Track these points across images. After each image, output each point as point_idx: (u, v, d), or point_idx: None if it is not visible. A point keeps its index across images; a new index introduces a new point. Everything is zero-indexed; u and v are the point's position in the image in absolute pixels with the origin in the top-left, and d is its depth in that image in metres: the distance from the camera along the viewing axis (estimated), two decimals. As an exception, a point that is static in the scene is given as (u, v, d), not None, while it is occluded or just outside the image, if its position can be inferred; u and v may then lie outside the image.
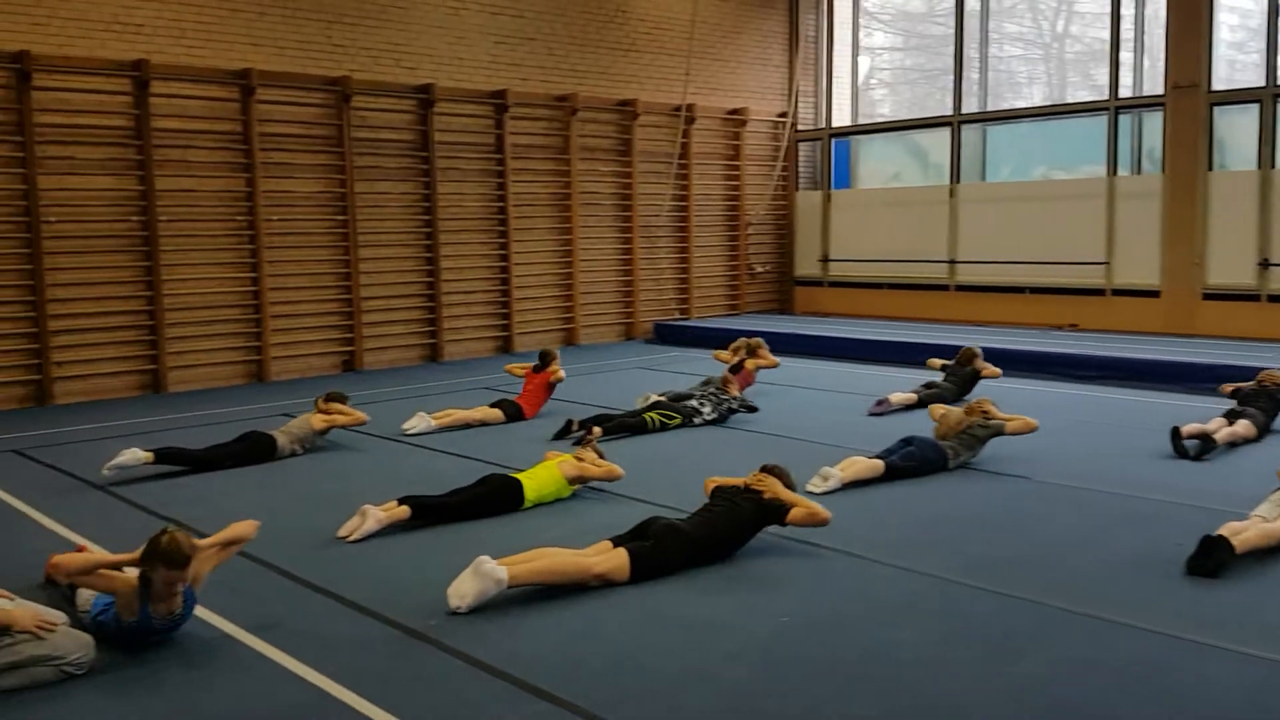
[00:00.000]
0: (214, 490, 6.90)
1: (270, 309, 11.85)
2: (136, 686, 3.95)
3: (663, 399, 9.29)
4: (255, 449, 7.61)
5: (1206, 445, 7.25)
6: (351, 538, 5.68)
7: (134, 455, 7.04)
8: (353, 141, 12.31)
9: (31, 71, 10.15)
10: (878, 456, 6.84)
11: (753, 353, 10.31)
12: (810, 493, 6.33)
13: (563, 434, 8.18)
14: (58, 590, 4.82)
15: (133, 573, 4.23)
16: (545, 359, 9.45)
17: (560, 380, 9.36)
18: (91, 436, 8.71)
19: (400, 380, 11.74)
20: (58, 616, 4.23)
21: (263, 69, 11.60)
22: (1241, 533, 5.05)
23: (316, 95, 12.12)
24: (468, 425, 8.81)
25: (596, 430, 7.94)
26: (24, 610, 4.11)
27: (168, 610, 4.24)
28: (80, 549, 5.16)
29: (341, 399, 8.29)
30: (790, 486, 5.54)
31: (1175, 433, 7.35)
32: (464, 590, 4.61)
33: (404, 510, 5.84)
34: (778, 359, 10.38)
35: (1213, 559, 4.91)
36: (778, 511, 5.35)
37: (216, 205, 11.51)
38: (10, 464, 7.81)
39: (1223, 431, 7.51)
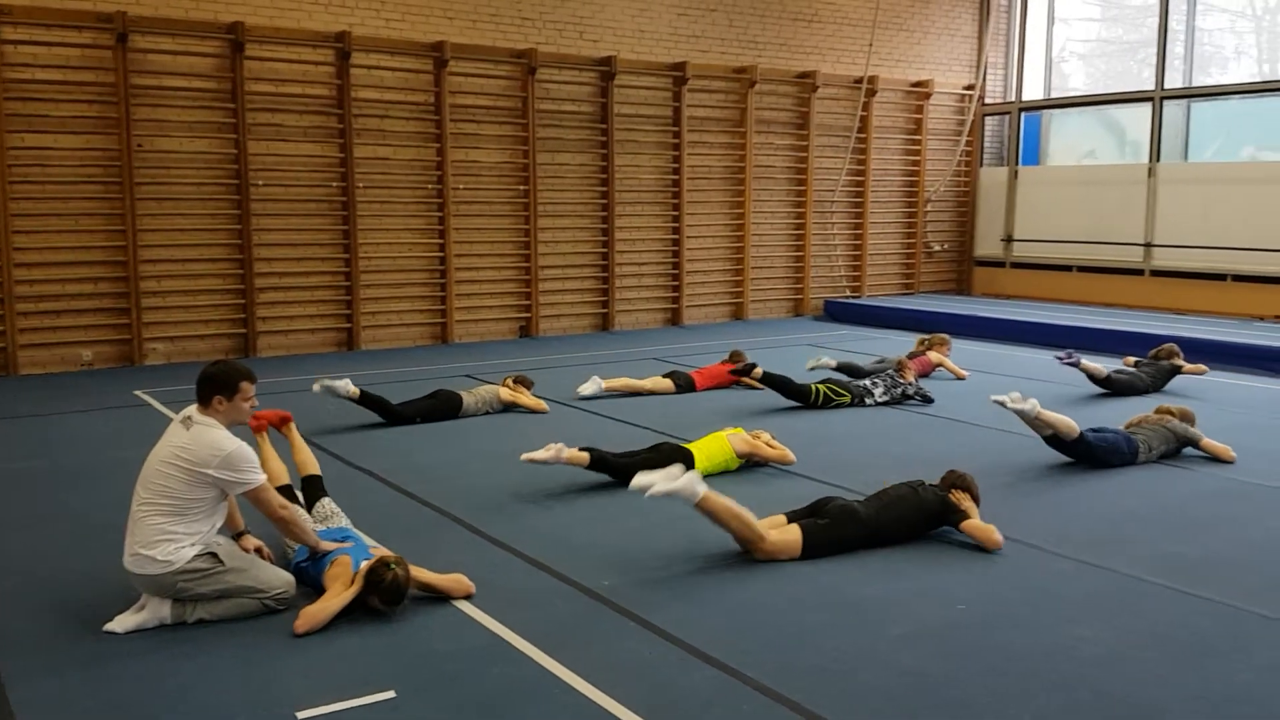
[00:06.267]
0: (404, 445, 7.27)
1: (455, 274, 12.31)
2: (332, 623, 4.19)
3: (833, 364, 9.23)
4: (444, 405, 8.00)
5: None
6: (528, 458, 5.88)
7: (346, 385, 7.54)
8: (536, 113, 12.60)
9: (244, 42, 10.80)
10: None
11: (937, 346, 10.00)
12: (993, 400, 6.27)
13: (742, 372, 8.36)
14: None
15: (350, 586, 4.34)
16: (735, 358, 9.42)
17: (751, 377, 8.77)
18: (291, 389, 9.27)
19: (572, 348, 12.01)
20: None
21: (455, 41, 11.99)
22: None
23: (504, 68, 12.45)
24: (638, 393, 8.95)
25: (758, 371, 8.21)
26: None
27: None
28: (286, 417, 5.60)
29: (528, 384, 8.54)
30: (977, 500, 5.36)
31: None
32: (660, 485, 4.61)
33: (584, 456, 6.00)
34: (966, 372, 9.87)
35: None
36: (958, 515, 5.21)
37: (409, 173, 12.01)
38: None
39: None
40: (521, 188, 12.69)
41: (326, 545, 4.56)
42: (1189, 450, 6.92)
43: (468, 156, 12.31)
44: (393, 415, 7.79)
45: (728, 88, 14.18)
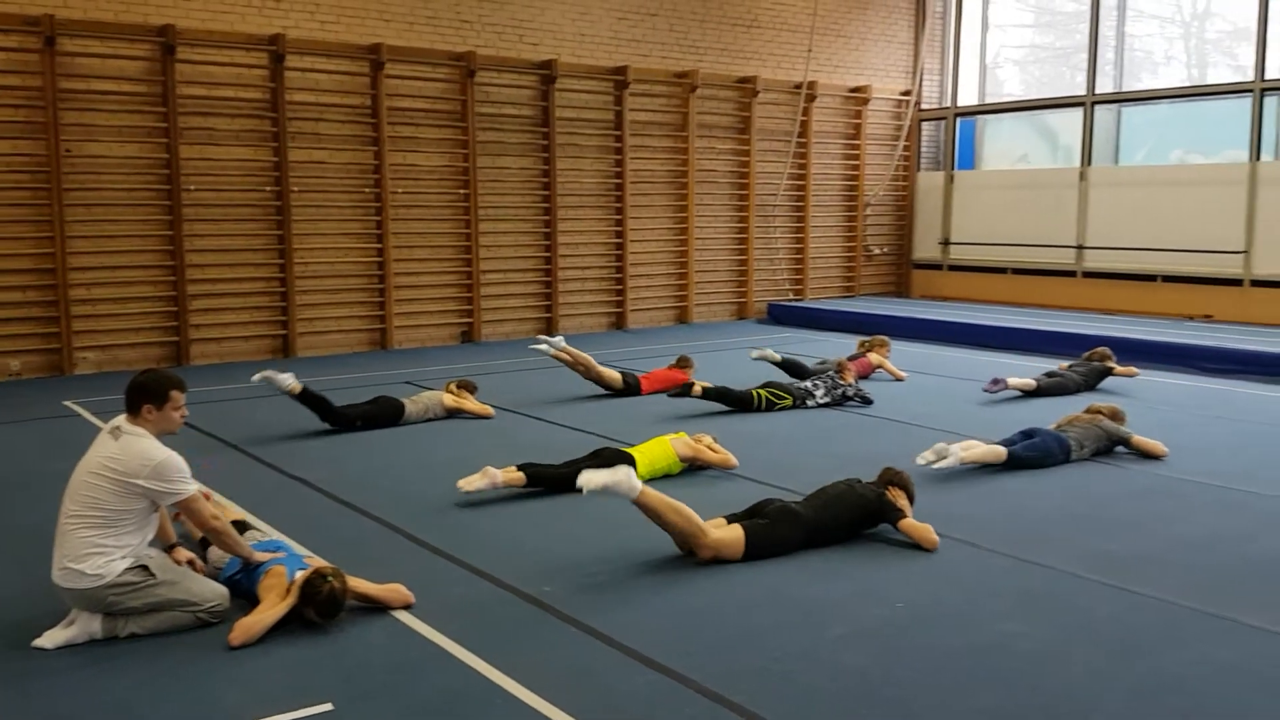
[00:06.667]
0: (342, 453, 7.16)
1: (394, 279, 12.18)
2: (268, 635, 4.10)
3: (778, 357, 9.30)
4: (384, 411, 7.88)
5: None
6: (465, 487, 5.82)
7: (289, 379, 7.39)
8: (476, 117, 12.52)
9: (176, 45, 10.59)
10: (1000, 444, 6.67)
11: (876, 348, 10.12)
12: (919, 464, 6.23)
13: (681, 393, 8.36)
14: (190, 544, 5.05)
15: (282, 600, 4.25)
16: (683, 363, 9.46)
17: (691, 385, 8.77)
18: (224, 397, 9.10)
19: (515, 353, 11.92)
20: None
21: (392, 44, 11.88)
22: None
23: (443, 70, 12.35)
24: (588, 371, 9.03)
25: (697, 389, 8.22)
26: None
27: None
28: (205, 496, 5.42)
29: (472, 388, 8.46)
30: (912, 498, 5.42)
31: None
32: (598, 479, 4.62)
33: (520, 476, 5.97)
34: (905, 373, 9.98)
35: None
36: (895, 513, 5.26)
37: (345, 177, 11.86)
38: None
39: None
40: (462, 191, 12.60)
41: (259, 556, 4.47)
42: (1121, 448, 7.05)
43: (406, 160, 12.19)
44: (333, 416, 7.66)
45: (669, 92, 14.21)
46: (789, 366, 9.52)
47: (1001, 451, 6.54)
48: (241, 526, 4.92)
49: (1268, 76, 13.24)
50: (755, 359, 9.58)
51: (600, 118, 13.62)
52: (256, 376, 7.40)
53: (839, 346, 11.36)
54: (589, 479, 4.62)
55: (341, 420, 7.66)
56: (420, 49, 12.14)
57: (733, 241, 15.21)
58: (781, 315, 14.96)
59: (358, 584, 4.33)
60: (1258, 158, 13.32)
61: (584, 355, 9.15)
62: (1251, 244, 13.26)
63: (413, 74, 12.16)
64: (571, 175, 13.43)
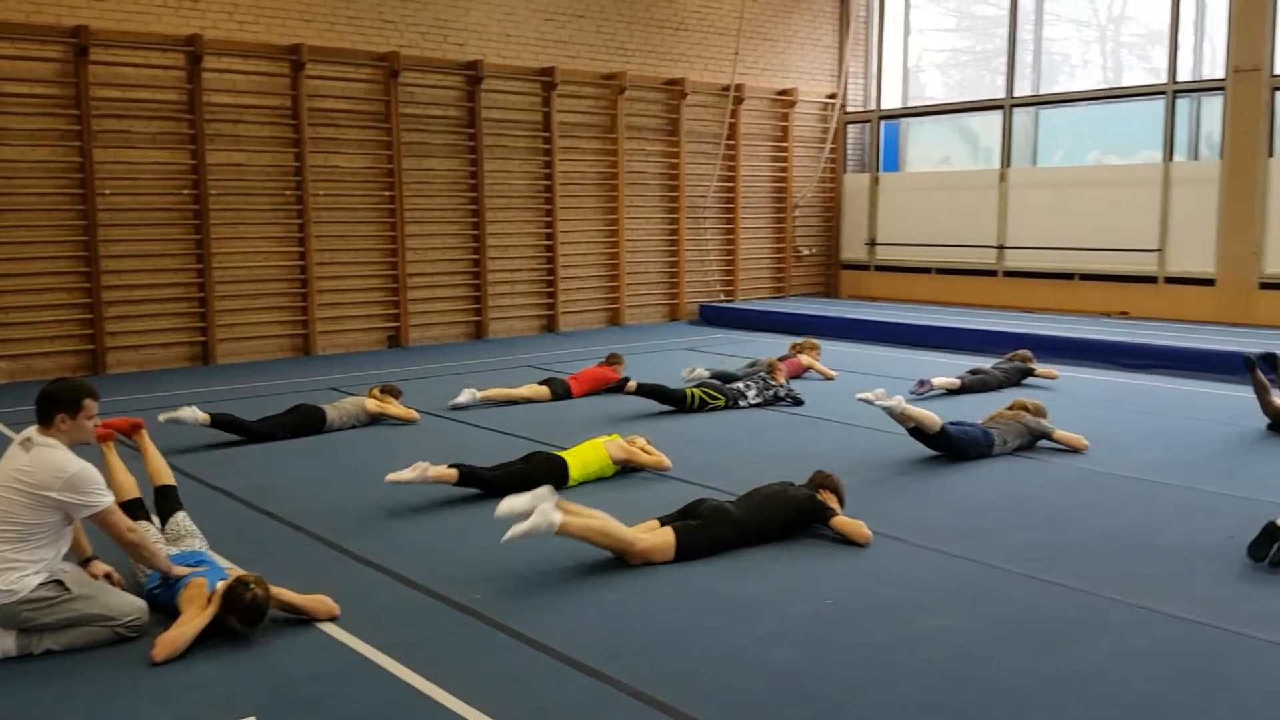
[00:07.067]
0: (265, 462, 7.00)
1: (317, 284, 11.97)
2: (190, 648, 3.99)
3: (708, 374, 9.31)
4: (306, 420, 7.71)
5: (1273, 366, 7.33)
6: (394, 479, 5.68)
7: (193, 414, 7.19)
8: (400, 118, 12.36)
9: (89, 46, 10.28)
10: None
11: (807, 350, 10.22)
12: (863, 400, 6.47)
13: (616, 388, 8.34)
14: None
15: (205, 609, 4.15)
16: (613, 360, 9.42)
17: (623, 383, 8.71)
18: (142, 406, 8.84)
19: (444, 357, 11.82)
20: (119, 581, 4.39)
21: (313, 44, 11.67)
22: None
23: (365, 71, 12.18)
24: (514, 401, 8.84)
25: (631, 384, 8.23)
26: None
27: None
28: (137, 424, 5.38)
29: (396, 393, 8.32)
30: (842, 500, 5.48)
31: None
32: (518, 507, 4.59)
33: (452, 473, 5.87)
34: (834, 372, 10.10)
35: (1278, 546, 4.80)
36: (827, 512, 5.31)
37: (266, 180, 11.62)
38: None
39: None
40: (386, 193, 12.43)
41: (179, 570, 4.35)
42: (1043, 443, 7.20)
43: (328, 162, 11.99)
44: (251, 434, 7.47)
45: (597, 94, 14.19)
46: (719, 378, 9.53)
47: (937, 420, 6.63)
48: (135, 506, 4.79)
49: (1180, 79, 13.66)
50: (686, 379, 9.42)
51: (528, 119, 13.55)
52: (162, 418, 7.12)
53: (770, 347, 11.45)
54: (509, 508, 4.59)
55: (262, 437, 7.48)
56: (342, 49, 11.96)
57: (664, 243, 15.24)
58: (713, 316, 15.03)
59: (281, 593, 4.24)
60: (1170, 158, 13.72)
61: (498, 390, 8.90)
62: (1165, 242, 13.67)
63: (335, 74, 11.96)
64: (500, 177, 13.33)
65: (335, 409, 7.88)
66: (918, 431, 6.70)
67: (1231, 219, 13.03)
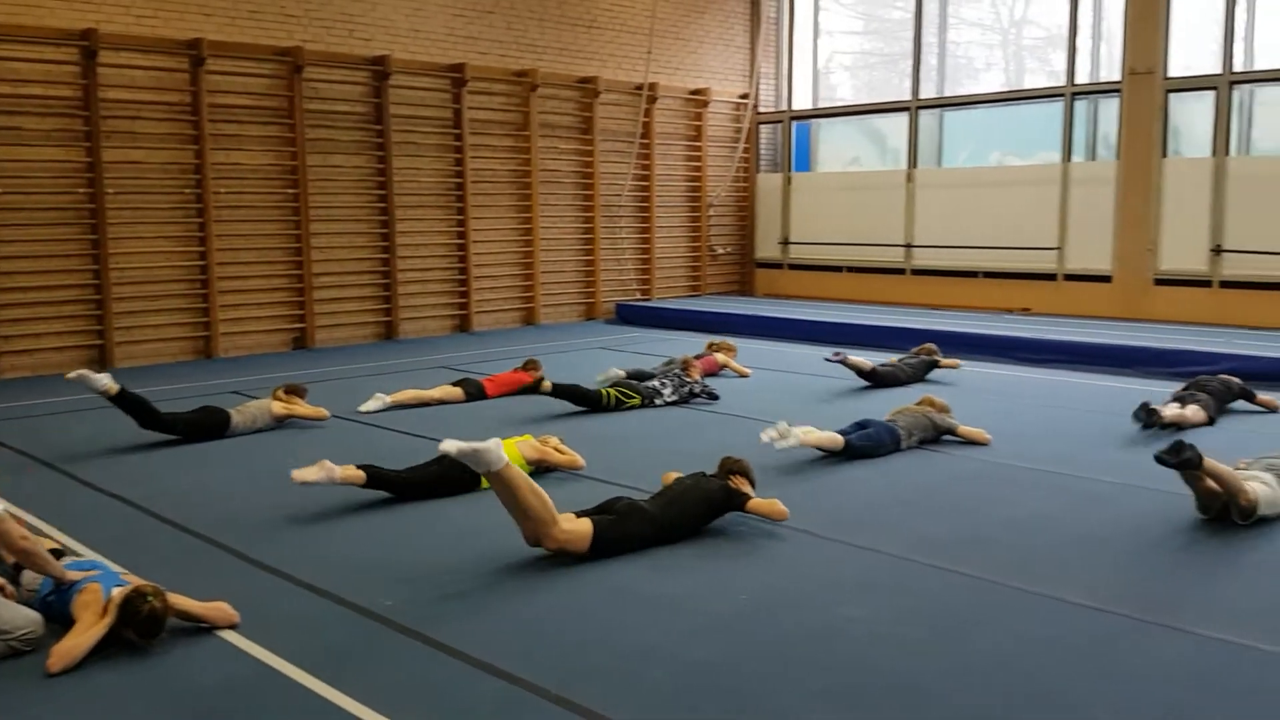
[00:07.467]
0: (163, 468, 6.77)
1: (219, 284, 11.63)
2: (86, 659, 3.86)
3: (623, 374, 9.30)
4: (209, 422, 7.47)
5: (1151, 419, 7.47)
6: (299, 478, 5.49)
7: (105, 379, 6.93)
8: (304, 114, 12.09)
9: (-27, 36, 9.84)
10: (838, 433, 6.86)
11: (722, 350, 10.28)
12: (763, 441, 6.47)
13: (532, 388, 8.27)
14: (2, 567, 4.69)
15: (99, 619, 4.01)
16: (530, 367, 9.31)
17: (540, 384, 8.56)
18: (36, 412, 8.50)
19: (353, 359, 11.59)
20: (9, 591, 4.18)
21: (213, 39, 11.34)
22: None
23: (268, 66, 11.88)
24: (427, 404, 8.70)
25: (546, 384, 8.17)
26: None
27: None
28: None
29: (301, 392, 8.12)
30: (753, 483, 5.53)
31: (1145, 410, 7.60)
32: (466, 444, 4.57)
33: (360, 474, 5.72)
34: (749, 370, 10.17)
35: (1182, 455, 5.08)
36: (741, 497, 5.35)
37: (164, 177, 11.25)
38: (-50, 440, 7.60)
39: (1170, 411, 7.66)
40: (291, 191, 12.13)
41: (73, 575, 4.18)
42: (948, 436, 7.35)
43: (230, 159, 11.65)
44: (154, 421, 7.20)
45: (509, 91, 14.07)
46: (635, 377, 9.52)
47: (839, 439, 6.74)
48: (57, 554, 4.59)
49: (1078, 81, 14.09)
50: (600, 381, 9.32)
51: (438, 116, 13.37)
52: (71, 374, 6.93)
53: (687, 345, 11.48)
54: (453, 443, 4.57)
55: (163, 426, 7.23)
56: (243, 44, 11.64)
57: (579, 242, 15.18)
58: (630, 315, 15.02)
59: (180, 601, 4.12)
60: (1069, 159, 14.14)
61: (408, 393, 8.74)
62: (1064, 241, 14.09)
63: (236, 70, 11.64)
64: (409, 174, 13.13)
65: (239, 413, 7.64)
66: (827, 453, 6.79)
67: (1127, 218, 13.48)
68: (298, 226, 12.20)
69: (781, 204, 17.03)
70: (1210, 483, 5.27)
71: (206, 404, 7.75)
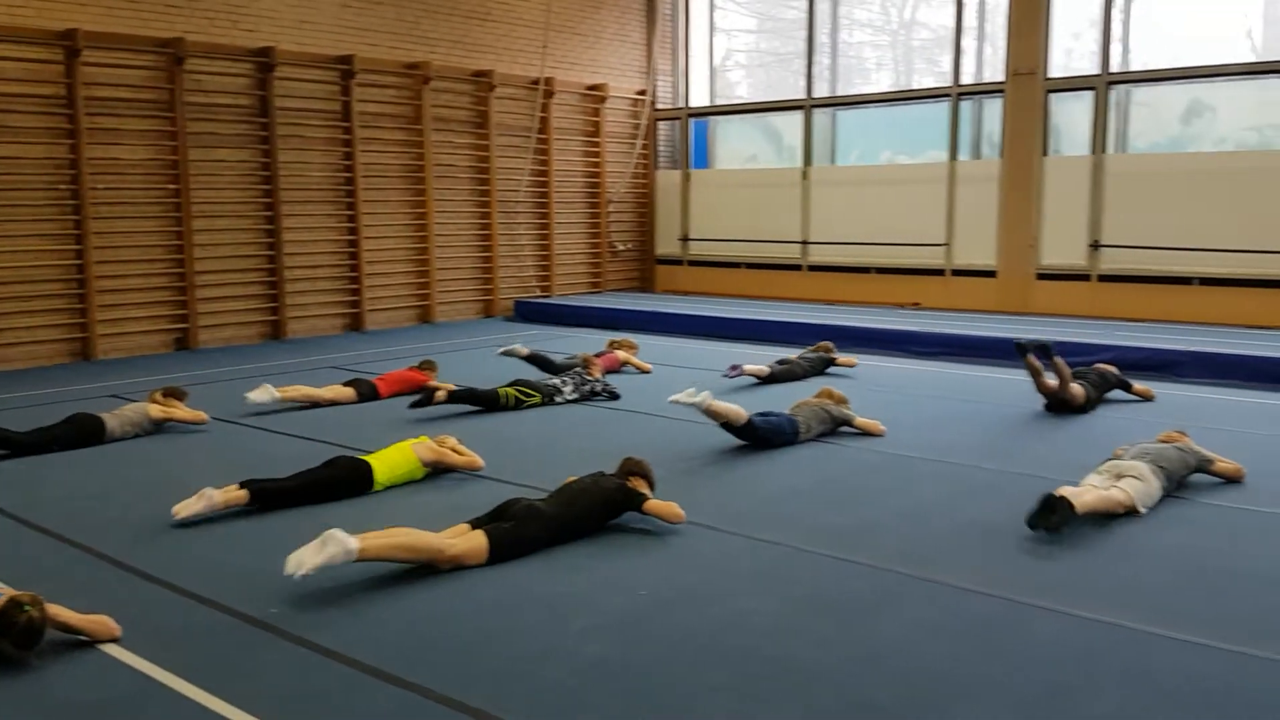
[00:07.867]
0: (38, 476, 6.44)
1: (96, 283, 11.14)
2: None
3: (526, 352, 9.26)
4: (83, 431, 7.12)
5: (1044, 352, 8.03)
6: (180, 514, 5.35)
7: None
8: (186, 106, 11.66)
9: None
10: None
11: (624, 347, 10.30)
12: (675, 402, 6.61)
13: (425, 401, 8.08)
14: None
15: None
16: (427, 367, 9.17)
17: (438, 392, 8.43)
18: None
19: (239, 359, 11.24)
20: None
21: (90, 29, 10.85)
22: (1081, 496, 5.28)
23: (147, 58, 11.42)
24: (316, 404, 8.47)
25: (441, 394, 8.03)
26: None
27: None
28: None
29: (180, 395, 7.82)
30: (652, 485, 5.53)
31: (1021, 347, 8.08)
32: (304, 559, 4.31)
33: (242, 494, 5.55)
34: (650, 365, 10.22)
35: (1055, 516, 5.09)
36: (639, 498, 5.34)
37: (38, 173, 10.73)
38: None
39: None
40: (172, 186, 11.69)
41: None
42: (844, 428, 7.48)
43: (108, 154, 11.17)
44: (18, 446, 6.85)
45: (401, 83, 13.82)
46: (537, 361, 9.49)
47: (743, 412, 6.85)
48: None
49: (963, 82, 14.48)
50: (502, 354, 9.55)
51: (326, 108, 13.05)
52: None
53: (587, 343, 11.45)
54: (299, 562, 4.29)
55: (31, 449, 6.87)
56: (121, 35, 11.16)
57: (476, 238, 15.00)
58: (529, 312, 14.91)
59: (58, 612, 3.93)
60: (955, 158, 14.54)
61: (299, 389, 8.51)
62: (952, 237, 14.47)
63: (114, 61, 11.16)
64: (297, 169, 12.78)
65: (116, 417, 7.31)
66: (727, 425, 6.89)
67: (1011, 214, 13.92)
68: (179, 223, 11.77)
69: (681, 201, 17.12)
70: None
71: (80, 410, 7.38)
